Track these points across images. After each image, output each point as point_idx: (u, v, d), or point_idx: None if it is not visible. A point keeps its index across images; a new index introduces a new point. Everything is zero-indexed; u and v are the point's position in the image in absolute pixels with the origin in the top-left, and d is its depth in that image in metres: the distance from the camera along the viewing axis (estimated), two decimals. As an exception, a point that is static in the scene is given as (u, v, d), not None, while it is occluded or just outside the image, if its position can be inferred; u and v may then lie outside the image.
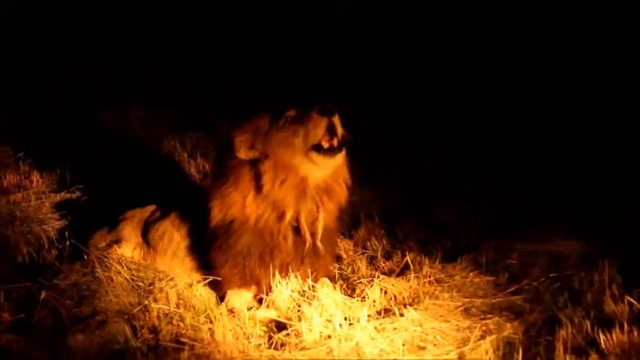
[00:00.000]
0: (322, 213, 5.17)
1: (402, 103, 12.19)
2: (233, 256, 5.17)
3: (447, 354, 4.41)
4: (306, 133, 4.87)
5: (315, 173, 5.05)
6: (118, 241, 5.92)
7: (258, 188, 5.03)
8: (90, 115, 11.74)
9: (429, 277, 5.59)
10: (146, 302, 5.01)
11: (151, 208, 6.24)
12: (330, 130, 4.86)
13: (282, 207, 5.05)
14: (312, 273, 5.23)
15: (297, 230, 5.18)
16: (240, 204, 5.11)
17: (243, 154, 5.10)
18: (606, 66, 11.18)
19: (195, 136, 10.71)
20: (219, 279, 5.25)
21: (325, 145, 4.88)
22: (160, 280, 5.42)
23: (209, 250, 5.31)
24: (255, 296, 5.21)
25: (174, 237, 5.73)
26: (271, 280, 5.16)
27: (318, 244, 5.21)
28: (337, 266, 6.01)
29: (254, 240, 5.14)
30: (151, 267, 5.76)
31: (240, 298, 5.17)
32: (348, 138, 5.09)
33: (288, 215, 5.07)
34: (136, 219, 6.15)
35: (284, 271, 5.22)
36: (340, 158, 5.05)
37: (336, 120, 4.87)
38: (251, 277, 5.19)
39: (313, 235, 5.18)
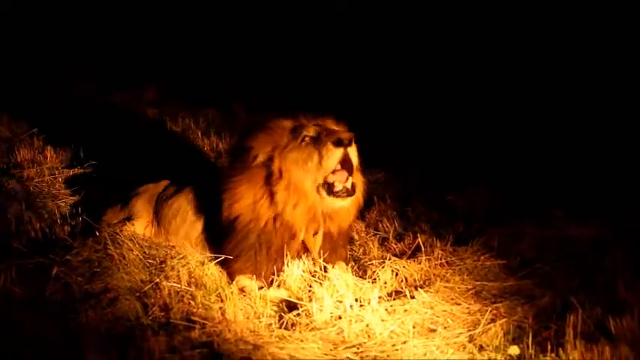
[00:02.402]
0: (321, 232, 5.21)
1: (413, 90, 12.15)
2: (245, 251, 5.19)
3: (457, 337, 4.42)
4: (320, 161, 4.88)
5: (325, 205, 5.07)
6: (130, 218, 5.94)
7: (271, 198, 5.06)
8: (105, 94, 11.77)
9: (441, 259, 5.59)
10: (157, 280, 5.03)
11: (164, 183, 6.25)
12: (345, 162, 4.88)
13: (294, 229, 5.11)
14: (324, 255, 5.24)
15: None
16: (249, 200, 5.13)
17: (259, 162, 5.13)
18: (611, 61, 11.13)
19: (209, 115, 10.71)
20: (229, 262, 5.25)
21: (338, 186, 4.91)
22: (171, 257, 5.43)
23: (222, 241, 5.32)
24: (266, 278, 5.21)
25: (187, 216, 5.74)
26: (283, 266, 5.18)
27: (315, 256, 5.23)
28: (349, 247, 5.99)
29: (263, 239, 5.15)
30: (163, 244, 5.77)
31: (251, 279, 5.18)
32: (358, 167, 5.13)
33: (301, 236, 5.15)
34: (148, 194, 6.17)
35: (299, 257, 5.24)
36: (351, 201, 5.07)
37: (352, 151, 4.88)
38: (262, 271, 5.20)
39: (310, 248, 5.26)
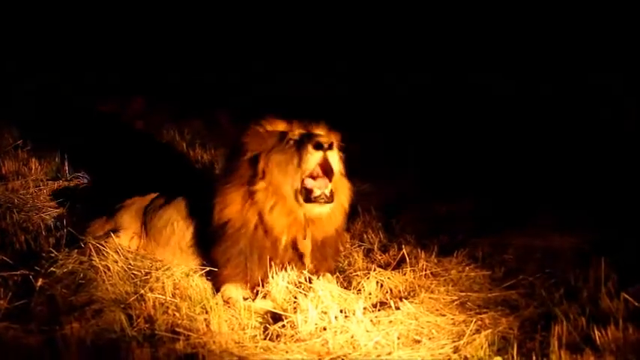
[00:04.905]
0: (310, 235, 5.19)
1: (401, 100, 12.19)
2: (235, 257, 5.16)
3: (442, 348, 4.42)
4: (299, 164, 4.86)
5: (304, 210, 5.05)
6: (116, 230, 5.92)
7: (255, 201, 5.06)
8: (90, 104, 11.75)
9: (425, 270, 5.59)
10: (142, 291, 5.02)
11: (151, 196, 6.24)
12: (324, 167, 4.88)
13: (275, 232, 5.09)
14: (312, 267, 5.24)
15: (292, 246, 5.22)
16: (238, 205, 5.12)
17: (247, 160, 5.16)
18: (600, 68, 11.20)
19: (194, 126, 10.72)
20: (216, 270, 5.24)
21: (317, 192, 4.90)
22: (156, 269, 5.43)
23: (212, 248, 5.31)
24: (251, 288, 5.21)
25: (178, 225, 5.72)
26: (269, 275, 5.16)
27: (308, 262, 5.21)
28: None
29: (253, 245, 5.13)
30: (148, 256, 5.76)
31: (237, 289, 5.17)
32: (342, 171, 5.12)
33: (284, 240, 5.13)
34: (134, 207, 6.16)
35: (284, 269, 5.22)
36: (329, 208, 5.01)
37: (332, 155, 4.86)
38: (252, 277, 5.18)
39: (303, 252, 5.22)
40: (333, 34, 14.80)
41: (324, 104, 11.23)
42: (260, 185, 5.02)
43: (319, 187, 4.89)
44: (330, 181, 4.93)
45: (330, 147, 4.80)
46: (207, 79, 14.03)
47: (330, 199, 4.93)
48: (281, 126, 5.22)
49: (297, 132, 5.06)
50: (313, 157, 4.79)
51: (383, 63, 14.09)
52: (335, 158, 4.87)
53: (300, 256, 5.23)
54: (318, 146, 4.77)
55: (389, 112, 11.60)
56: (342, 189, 5.22)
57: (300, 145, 4.90)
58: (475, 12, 13.57)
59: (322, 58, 14.45)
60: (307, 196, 4.90)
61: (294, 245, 5.19)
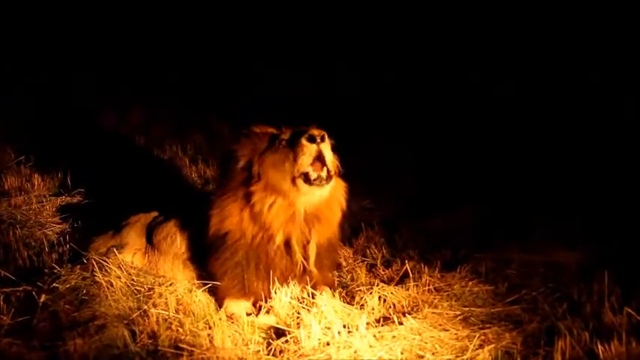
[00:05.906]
0: (314, 236, 5.19)
1: (399, 113, 12.19)
2: (231, 269, 5.18)
3: (446, 363, 4.42)
4: (295, 159, 4.88)
5: (303, 200, 5.06)
6: (121, 246, 5.92)
7: (249, 202, 5.07)
8: (90, 118, 11.75)
9: (429, 285, 5.59)
10: (145, 307, 5.01)
11: (155, 213, 6.25)
12: (319, 158, 4.89)
13: (271, 230, 5.08)
14: (311, 281, 5.23)
15: (288, 251, 5.21)
16: (236, 217, 5.13)
17: (241, 168, 5.17)
18: (600, 73, 11.22)
19: (196, 141, 10.73)
20: (219, 284, 5.24)
21: (313, 174, 4.91)
22: (159, 285, 5.41)
23: (209, 260, 5.33)
24: (254, 303, 5.20)
25: (176, 239, 5.74)
26: (271, 289, 5.16)
27: (312, 267, 5.22)
28: (337, 274, 5.99)
29: (251, 255, 5.15)
30: (151, 272, 5.76)
31: (239, 305, 5.17)
32: (338, 167, 5.12)
33: (278, 239, 5.11)
34: (139, 224, 6.16)
35: (284, 282, 5.22)
36: (329, 188, 5.04)
37: (326, 147, 4.89)
38: (250, 290, 5.20)
39: (306, 257, 5.21)
40: (333, 34, 14.83)
41: (323, 105, 11.28)
42: (258, 186, 5.03)
43: (315, 169, 4.90)
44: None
45: (323, 139, 4.85)
46: (205, 80, 14.06)
47: (328, 179, 4.95)
48: (270, 130, 5.25)
49: (287, 132, 5.09)
50: (308, 150, 4.83)
51: (383, 63, 14.13)
52: (328, 150, 4.91)
53: (301, 268, 5.23)
54: (312, 139, 4.82)
55: (387, 113, 11.64)
56: (338, 187, 5.24)
57: (293, 142, 4.94)
58: (475, 12, 13.60)
59: (322, 58, 14.48)
60: (306, 178, 4.91)
61: (288, 252, 5.19)
